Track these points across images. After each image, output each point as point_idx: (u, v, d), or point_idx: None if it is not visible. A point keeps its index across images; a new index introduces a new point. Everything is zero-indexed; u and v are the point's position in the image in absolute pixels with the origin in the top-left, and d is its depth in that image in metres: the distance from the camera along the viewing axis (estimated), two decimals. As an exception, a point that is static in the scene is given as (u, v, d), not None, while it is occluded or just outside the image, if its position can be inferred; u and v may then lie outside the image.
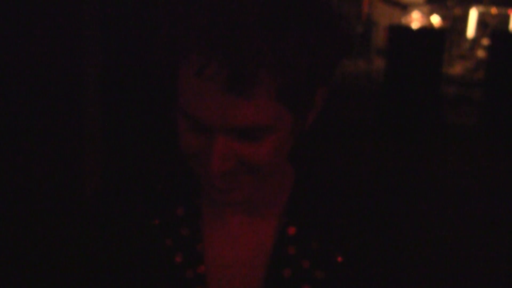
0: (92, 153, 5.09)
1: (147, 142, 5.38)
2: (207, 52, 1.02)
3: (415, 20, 11.52)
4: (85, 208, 1.43)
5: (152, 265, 1.32)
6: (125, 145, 5.40)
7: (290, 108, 1.10)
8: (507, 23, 11.59)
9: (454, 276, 5.05)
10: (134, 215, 1.35)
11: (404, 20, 11.63)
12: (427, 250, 5.22)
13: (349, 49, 1.15)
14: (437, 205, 6.53)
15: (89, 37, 4.86)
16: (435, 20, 11.58)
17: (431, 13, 12.06)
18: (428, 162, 8.00)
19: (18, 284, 4.42)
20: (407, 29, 10.63)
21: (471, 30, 12.17)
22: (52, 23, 4.59)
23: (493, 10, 11.77)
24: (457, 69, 11.45)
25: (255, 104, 1.05)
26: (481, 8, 11.81)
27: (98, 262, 1.39)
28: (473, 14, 12.05)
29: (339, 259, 1.29)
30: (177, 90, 1.11)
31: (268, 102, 1.06)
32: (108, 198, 1.41)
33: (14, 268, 4.51)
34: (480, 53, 11.56)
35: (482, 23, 11.77)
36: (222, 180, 1.14)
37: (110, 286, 1.36)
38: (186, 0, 1.07)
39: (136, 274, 1.33)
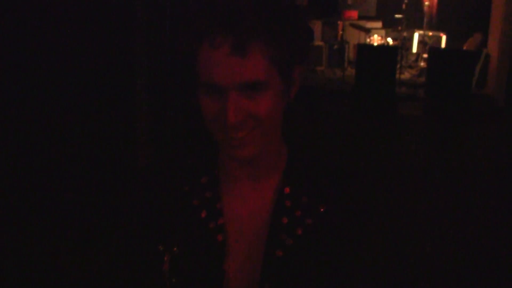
0: (144, 137, 5.10)
1: (182, 133, 5.39)
2: (216, 29, 1.11)
3: (376, 40, 11.46)
4: (138, 177, 1.43)
5: (184, 219, 1.34)
6: (167, 133, 5.40)
7: (277, 69, 1.16)
8: (440, 42, 11.61)
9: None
10: (172, 183, 1.38)
11: (367, 40, 11.57)
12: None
13: (312, 37, 1.24)
14: (392, 170, 6.55)
15: (140, 42, 4.86)
16: (390, 40, 11.51)
17: (387, 35, 12.01)
18: (385, 141, 8.00)
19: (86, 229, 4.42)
20: (370, 46, 10.59)
21: (415, 47, 12.15)
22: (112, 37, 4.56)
23: (430, 33, 11.79)
24: (406, 75, 11.42)
25: (253, 63, 1.12)
26: (422, 32, 11.79)
27: (146, 216, 1.40)
28: (416, 36, 12.03)
29: (322, 209, 1.32)
30: (198, 68, 1.17)
31: (262, 62, 1.13)
32: (154, 170, 1.43)
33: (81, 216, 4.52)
34: (422, 64, 11.52)
35: (422, 42, 11.75)
36: (236, 132, 1.18)
37: (154, 234, 1.37)
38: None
39: (173, 226, 1.35)
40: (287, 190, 1.32)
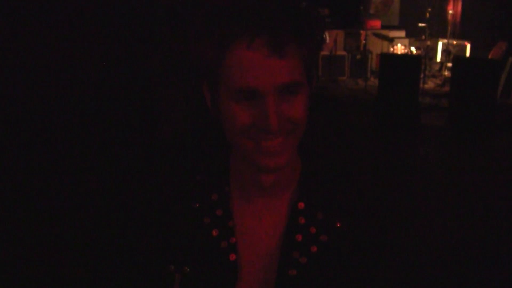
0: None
1: (193, 148, 5.37)
2: (252, 30, 1.07)
3: (399, 49, 11.38)
4: (148, 195, 1.36)
5: (195, 238, 1.30)
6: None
7: (307, 71, 1.15)
8: (464, 51, 11.50)
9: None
10: (182, 200, 1.33)
11: (391, 49, 11.50)
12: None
13: (322, 44, 1.22)
14: (414, 182, 6.48)
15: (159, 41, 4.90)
16: (413, 49, 11.42)
17: (410, 44, 11.93)
18: (409, 153, 7.92)
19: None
20: (393, 56, 10.52)
21: (439, 56, 12.04)
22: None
23: (454, 42, 11.68)
24: (430, 84, 11.34)
25: (290, 63, 1.09)
26: (446, 40, 11.70)
27: (156, 234, 1.35)
28: (440, 45, 11.93)
29: (338, 225, 1.28)
30: (224, 73, 1.11)
31: (298, 63, 1.11)
32: (165, 188, 1.36)
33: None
34: (446, 73, 11.43)
35: (446, 51, 11.65)
36: (274, 138, 1.13)
37: (164, 253, 1.32)
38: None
39: (184, 244, 1.30)
40: (301, 205, 1.27)
